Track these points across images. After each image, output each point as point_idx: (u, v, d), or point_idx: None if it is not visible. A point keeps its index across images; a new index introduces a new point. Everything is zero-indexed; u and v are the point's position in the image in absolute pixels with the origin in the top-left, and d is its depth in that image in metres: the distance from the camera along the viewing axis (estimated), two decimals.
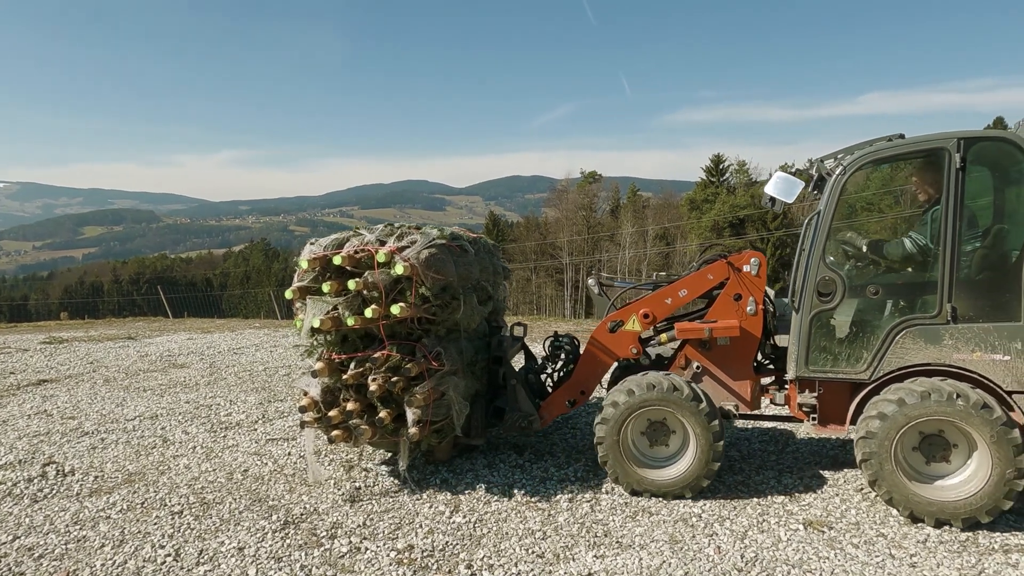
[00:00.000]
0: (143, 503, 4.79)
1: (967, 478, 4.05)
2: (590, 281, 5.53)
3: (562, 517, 4.39)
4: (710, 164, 61.67)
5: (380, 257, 4.45)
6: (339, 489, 4.94)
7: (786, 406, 4.90)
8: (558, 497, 4.70)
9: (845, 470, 5.10)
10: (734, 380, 4.91)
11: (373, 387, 4.44)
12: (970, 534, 4.01)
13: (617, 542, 4.03)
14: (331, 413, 4.61)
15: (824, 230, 4.39)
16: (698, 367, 4.97)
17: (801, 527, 4.16)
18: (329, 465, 5.42)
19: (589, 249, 60.90)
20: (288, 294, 4.75)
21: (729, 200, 56.89)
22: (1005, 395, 4.09)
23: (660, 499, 4.61)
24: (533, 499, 4.70)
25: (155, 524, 4.42)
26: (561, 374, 5.69)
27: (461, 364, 4.80)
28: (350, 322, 4.45)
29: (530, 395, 5.30)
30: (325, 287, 4.55)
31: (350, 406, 4.56)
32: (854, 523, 4.20)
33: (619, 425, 4.64)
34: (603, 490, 4.81)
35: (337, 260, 4.55)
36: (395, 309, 4.40)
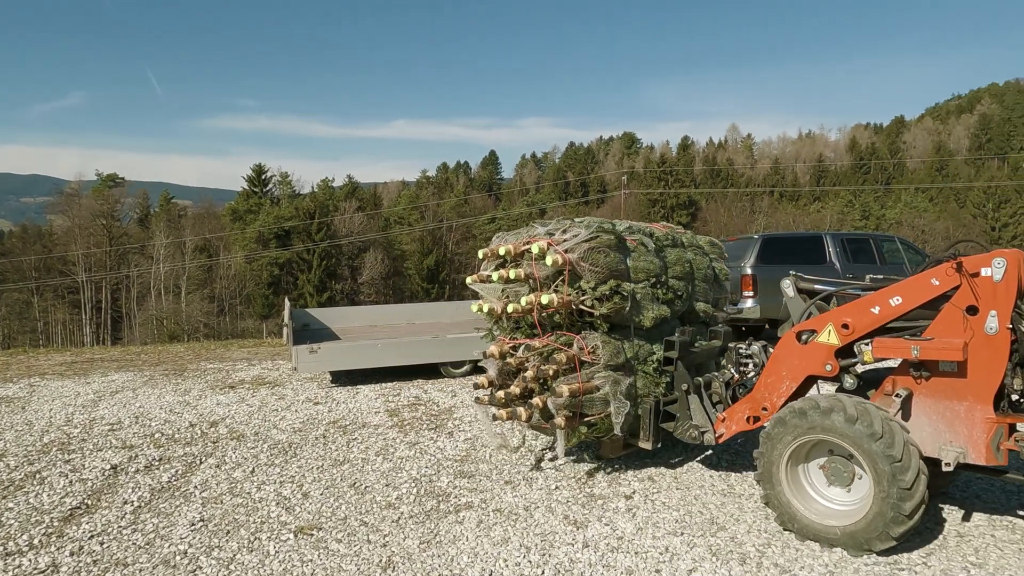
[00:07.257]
0: None
1: None
2: (785, 281, 4.68)
3: None
4: (252, 174, 60.24)
5: (534, 249, 4.65)
6: None
7: None
8: None
9: (344, 467, 5.42)
10: (961, 418, 3.78)
11: (529, 372, 4.70)
12: (433, 503, 4.67)
13: None
14: (498, 394, 4.86)
15: None
16: (904, 395, 3.92)
17: (292, 536, 4.20)
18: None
19: (114, 264, 52.93)
20: (468, 281, 5.21)
21: (274, 211, 56.52)
22: None
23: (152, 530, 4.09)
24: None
25: None
26: (744, 386, 4.88)
27: (627, 361, 4.78)
28: (509, 309, 4.76)
29: (705, 405, 4.78)
30: (494, 276, 4.87)
31: (512, 388, 4.81)
32: (342, 518, 4.45)
33: (783, 446, 3.99)
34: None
35: (502, 251, 4.89)
36: (544, 299, 4.54)
